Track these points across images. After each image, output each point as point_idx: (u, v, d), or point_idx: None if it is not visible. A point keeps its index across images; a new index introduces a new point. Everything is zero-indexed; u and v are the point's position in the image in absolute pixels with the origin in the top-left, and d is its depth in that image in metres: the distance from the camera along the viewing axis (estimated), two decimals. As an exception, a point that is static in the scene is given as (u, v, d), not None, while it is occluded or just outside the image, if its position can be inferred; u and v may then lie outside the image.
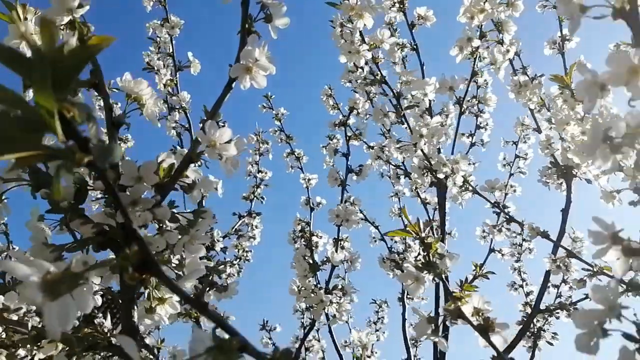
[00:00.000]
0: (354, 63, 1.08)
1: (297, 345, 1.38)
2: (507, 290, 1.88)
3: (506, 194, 1.89)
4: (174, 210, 0.73)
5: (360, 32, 1.10)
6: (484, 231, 1.47)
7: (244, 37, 0.72)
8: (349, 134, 1.60)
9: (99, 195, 0.68)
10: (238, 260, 2.10)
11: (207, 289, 1.13)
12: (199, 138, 0.65)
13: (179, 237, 0.71)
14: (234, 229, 1.90)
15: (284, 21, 0.75)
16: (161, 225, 0.72)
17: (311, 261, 1.34)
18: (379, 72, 1.13)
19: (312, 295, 1.27)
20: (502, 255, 1.74)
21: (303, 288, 1.30)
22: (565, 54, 1.52)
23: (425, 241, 0.88)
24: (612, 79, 0.49)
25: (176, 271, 0.74)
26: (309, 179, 1.94)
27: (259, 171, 2.23)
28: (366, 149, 1.62)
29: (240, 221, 1.96)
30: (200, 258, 1.74)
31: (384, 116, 1.16)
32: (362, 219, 2.15)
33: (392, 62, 1.27)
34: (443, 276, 1.75)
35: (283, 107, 2.06)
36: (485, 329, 0.77)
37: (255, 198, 2.15)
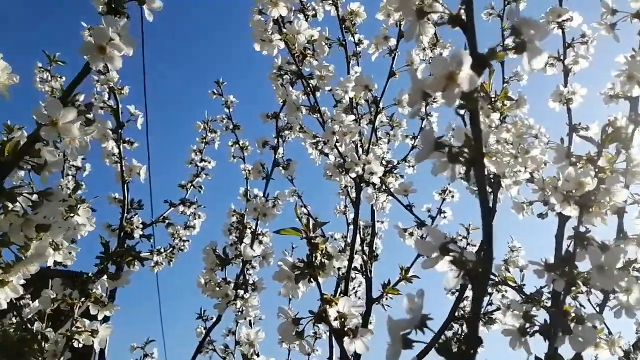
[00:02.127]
0: (267, 53, 1.04)
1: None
2: (444, 295, 1.87)
3: (444, 199, 1.88)
4: (19, 192, 0.68)
5: (279, 20, 1.06)
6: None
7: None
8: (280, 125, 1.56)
9: None
10: (172, 249, 2.05)
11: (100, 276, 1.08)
12: (36, 116, 0.61)
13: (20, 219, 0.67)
14: (162, 217, 1.85)
15: (158, 5, 0.72)
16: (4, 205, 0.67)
17: (223, 255, 1.30)
18: (295, 65, 1.09)
19: (218, 289, 1.23)
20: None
21: (210, 281, 1.27)
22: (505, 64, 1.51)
23: (313, 241, 0.85)
24: (432, 85, 0.46)
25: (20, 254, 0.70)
26: (249, 171, 1.91)
27: (202, 160, 2.18)
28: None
29: (170, 210, 1.91)
30: (123, 244, 1.67)
31: (296, 110, 1.13)
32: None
33: (314, 58, 1.24)
34: (369, 276, 1.71)
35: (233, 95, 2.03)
36: (341, 334, 0.74)
37: (192, 187, 2.10)
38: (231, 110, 2.03)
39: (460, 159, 0.50)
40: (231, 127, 2.00)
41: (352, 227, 2.04)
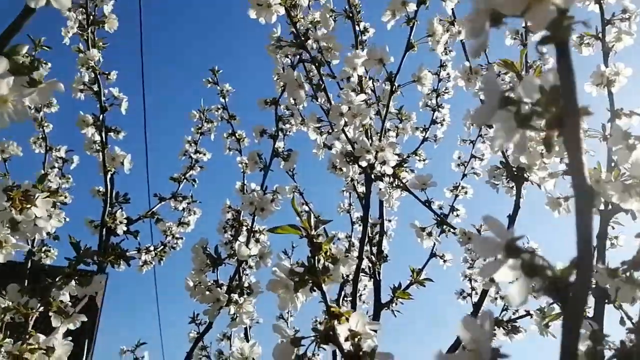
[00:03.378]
0: (265, 20, 0.89)
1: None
2: (455, 299, 1.72)
3: (457, 196, 1.72)
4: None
5: (277, -16, 0.91)
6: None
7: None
8: (279, 113, 1.41)
9: None
10: (163, 247, 1.90)
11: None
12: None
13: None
14: (150, 212, 1.70)
15: None
16: None
17: (214, 254, 1.15)
18: (296, 34, 0.94)
19: (207, 293, 1.08)
20: (445, 261, 1.57)
21: (199, 284, 1.11)
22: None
23: (315, 241, 0.70)
24: (507, 4, 0.31)
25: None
26: (246, 164, 1.76)
27: (197, 151, 2.04)
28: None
29: (159, 204, 1.76)
30: (107, 241, 1.51)
31: (298, 87, 0.97)
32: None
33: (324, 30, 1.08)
34: (378, 279, 1.56)
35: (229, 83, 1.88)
36: (356, 357, 0.59)
37: (185, 180, 1.95)
38: (227, 99, 1.90)
39: (537, 120, 0.34)
40: (227, 117, 1.86)
41: (357, 226, 1.90)
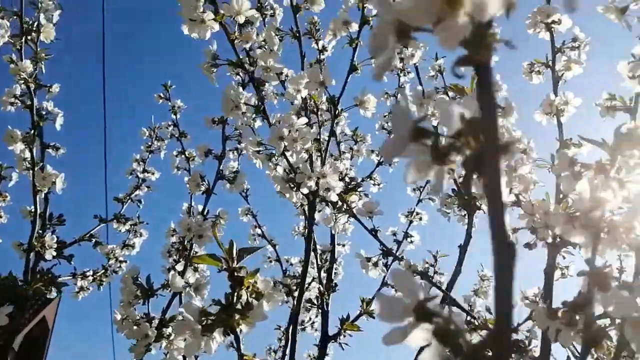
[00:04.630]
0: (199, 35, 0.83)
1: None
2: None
3: (411, 222, 1.68)
4: None
5: (213, 1, 0.85)
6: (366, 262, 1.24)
7: None
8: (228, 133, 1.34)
9: None
10: (104, 271, 1.80)
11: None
12: None
13: None
14: (88, 235, 1.60)
15: None
16: None
17: (146, 285, 1.06)
18: (235, 53, 0.88)
19: (135, 327, 0.99)
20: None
21: (127, 318, 1.02)
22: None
23: (236, 274, 0.63)
24: (416, 11, 0.25)
25: None
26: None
27: (145, 170, 1.95)
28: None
29: (99, 226, 1.66)
30: (34, 265, 1.39)
31: (235, 108, 0.91)
32: (259, 235, 1.90)
33: (269, 49, 1.03)
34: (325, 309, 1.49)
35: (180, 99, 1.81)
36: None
37: (130, 201, 1.86)
38: (178, 116, 1.83)
39: (454, 155, 0.29)
40: (177, 134, 1.79)
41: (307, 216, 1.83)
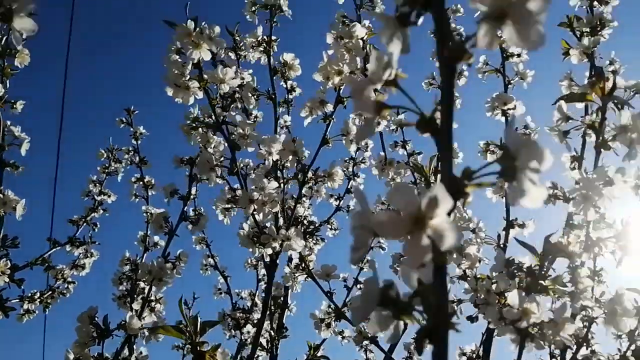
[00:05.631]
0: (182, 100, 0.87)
1: None
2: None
3: (361, 269, 1.74)
4: None
5: (200, 64, 0.90)
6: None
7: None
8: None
9: None
10: (51, 292, 1.77)
11: None
12: None
13: None
14: (40, 259, 1.58)
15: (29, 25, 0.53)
16: None
17: (102, 324, 1.07)
18: (213, 116, 0.92)
19: (87, 371, 1.00)
20: (343, 337, 1.57)
21: (80, 358, 1.03)
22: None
23: (198, 349, 0.67)
24: (388, 226, 0.31)
25: None
26: (151, 214, 1.69)
27: (101, 192, 1.93)
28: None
29: (52, 250, 1.65)
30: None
31: (210, 170, 0.96)
32: (211, 266, 1.91)
33: (242, 110, 1.08)
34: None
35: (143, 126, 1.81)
36: None
37: (85, 223, 1.84)
38: (139, 142, 1.82)
39: (413, 315, 0.35)
40: (137, 161, 1.78)
41: (262, 283, 1.86)
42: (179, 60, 0.89)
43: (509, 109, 1.22)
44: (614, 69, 1.18)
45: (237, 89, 1.05)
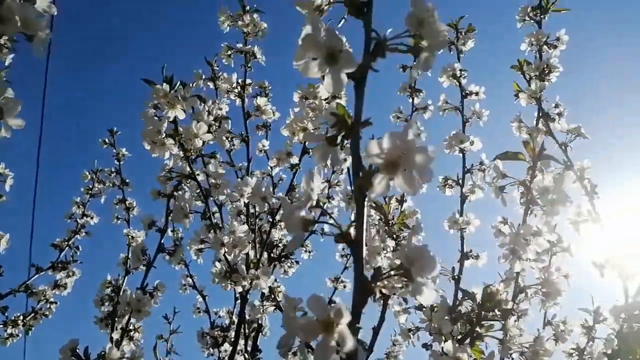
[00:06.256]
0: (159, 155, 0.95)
1: None
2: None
3: (336, 288, 1.83)
4: None
5: (174, 121, 0.98)
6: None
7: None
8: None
9: None
10: (34, 314, 1.83)
11: None
12: None
13: None
14: (23, 286, 1.64)
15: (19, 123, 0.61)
16: None
17: (84, 356, 1.15)
18: (189, 169, 1.01)
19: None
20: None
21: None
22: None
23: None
24: (305, 330, 0.40)
25: None
26: (132, 237, 1.75)
27: (84, 214, 1.99)
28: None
29: (36, 276, 1.71)
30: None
31: (184, 217, 1.04)
32: (190, 286, 1.98)
33: (209, 158, 1.16)
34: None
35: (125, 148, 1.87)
36: None
37: (68, 247, 1.90)
38: (122, 163, 1.88)
39: None
40: (119, 183, 1.84)
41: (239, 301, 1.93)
42: (156, 115, 0.96)
43: (464, 147, 1.32)
44: (558, 111, 1.28)
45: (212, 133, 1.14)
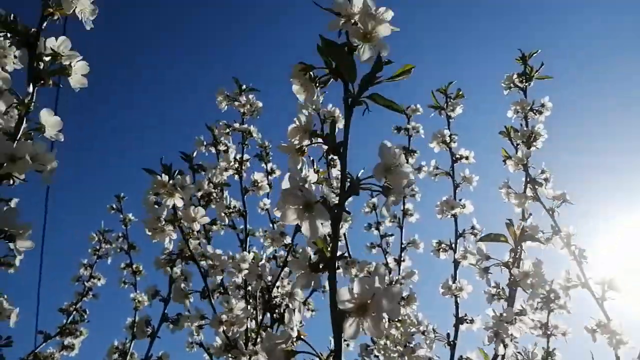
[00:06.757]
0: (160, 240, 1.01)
1: None
2: None
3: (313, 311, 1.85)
4: None
5: (174, 208, 1.03)
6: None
7: None
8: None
9: None
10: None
11: None
12: None
13: None
14: (32, 354, 1.67)
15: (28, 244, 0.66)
16: None
17: None
18: (188, 249, 1.06)
19: None
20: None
21: None
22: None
23: None
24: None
25: None
26: (139, 300, 1.78)
27: (91, 277, 2.02)
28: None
29: (43, 344, 1.74)
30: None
31: (184, 297, 1.08)
32: (197, 344, 2.00)
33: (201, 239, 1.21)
34: None
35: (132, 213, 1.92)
36: None
37: (75, 311, 1.92)
38: (128, 227, 1.92)
39: None
40: (125, 247, 1.88)
41: None
42: (156, 202, 1.02)
43: (455, 213, 1.37)
44: (545, 177, 1.32)
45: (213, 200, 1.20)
